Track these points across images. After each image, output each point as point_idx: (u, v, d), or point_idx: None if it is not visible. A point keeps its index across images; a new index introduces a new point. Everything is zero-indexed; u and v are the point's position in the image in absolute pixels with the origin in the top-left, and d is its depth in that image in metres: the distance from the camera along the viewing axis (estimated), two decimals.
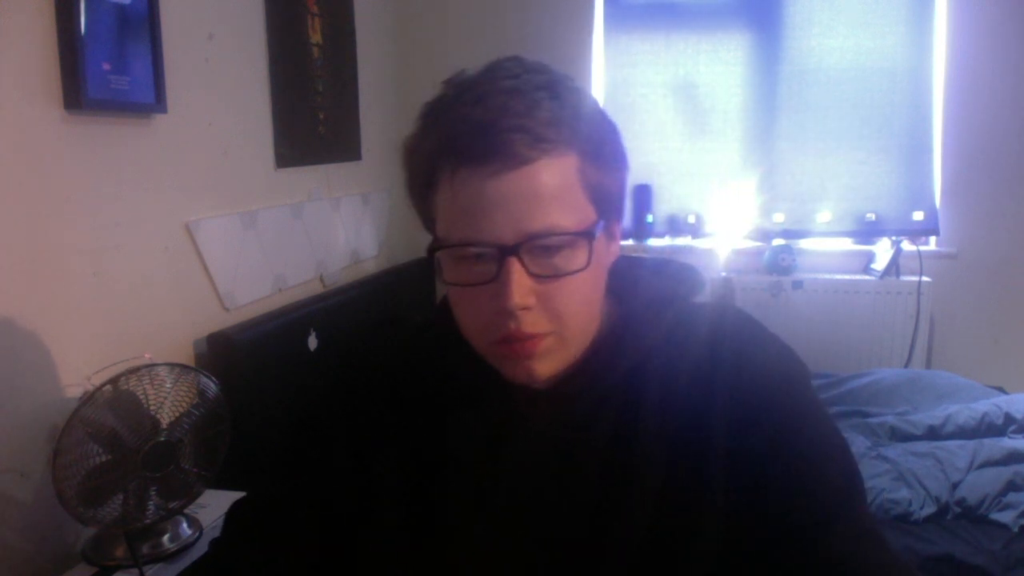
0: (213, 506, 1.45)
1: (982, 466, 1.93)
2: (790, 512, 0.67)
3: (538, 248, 0.64)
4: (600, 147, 0.67)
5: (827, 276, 2.83)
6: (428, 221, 0.71)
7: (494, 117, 0.63)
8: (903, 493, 1.84)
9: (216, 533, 1.41)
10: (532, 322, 0.65)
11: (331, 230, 2.44)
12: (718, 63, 2.87)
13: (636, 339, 0.72)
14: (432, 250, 0.68)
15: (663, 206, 2.96)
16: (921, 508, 1.82)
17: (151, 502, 1.26)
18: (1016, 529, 1.75)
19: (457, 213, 0.65)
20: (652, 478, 0.69)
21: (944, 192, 2.78)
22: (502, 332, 0.65)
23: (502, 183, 0.63)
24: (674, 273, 0.79)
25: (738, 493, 0.68)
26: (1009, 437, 2.11)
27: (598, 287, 0.70)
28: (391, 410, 0.78)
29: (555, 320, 0.66)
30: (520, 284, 0.64)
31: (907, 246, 2.79)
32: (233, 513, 0.87)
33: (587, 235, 0.65)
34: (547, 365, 0.68)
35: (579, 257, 0.65)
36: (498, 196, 0.63)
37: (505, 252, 0.64)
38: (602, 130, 0.68)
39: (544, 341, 0.66)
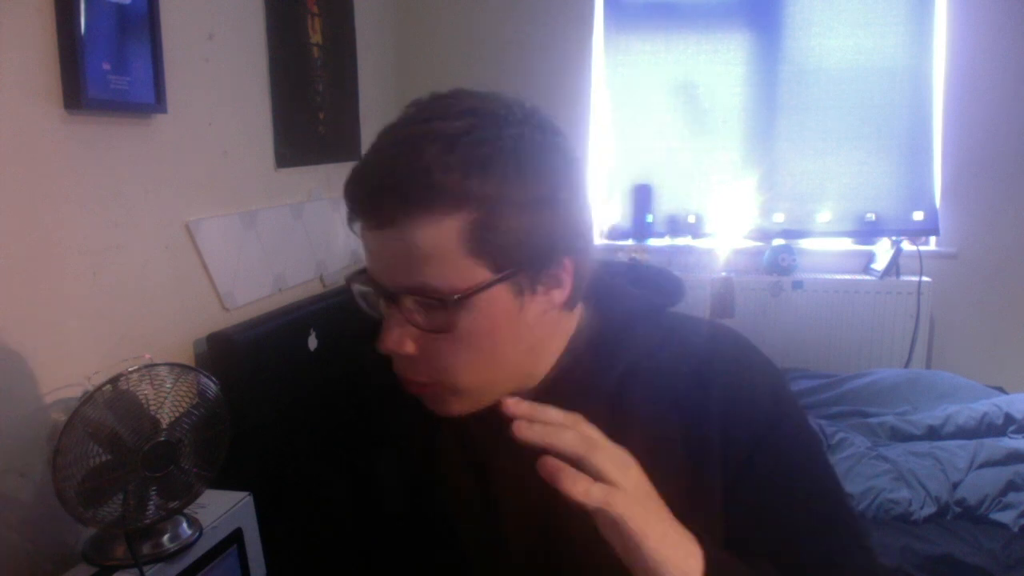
0: (213, 506, 1.45)
1: (982, 466, 1.93)
2: (775, 500, 0.72)
3: (412, 304, 0.65)
4: (508, 199, 0.63)
5: (827, 276, 2.83)
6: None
7: (375, 172, 0.64)
8: (903, 493, 1.84)
9: (216, 533, 1.41)
10: (410, 368, 0.68)
11: (331, 230, 2.43)
12: (718, 63, 2.87)
13: (618, 348, 0.73)
14: (348, 280, 0.71)
15: (663, 206, 2.96)
16: (921, 508, 1.82)
17: (151, 502, 1.26)
18: (1016, 529, 1.75)
19: (365, 256, 0.68)
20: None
21: (944, 192, 2.78)
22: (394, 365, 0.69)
23: (376, 238, 0.65)
24: (652, 282, 0.80)
25: (728, 481, 0.72)
26: (1009, 437, 2.11)
27: (505, 343, 0.68)
28: (390, 423, 0.80)
29: (439, 371, 0.67)
30: (393, 330, 0.65)
31: (907, 246, 2.79)
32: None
33: (457, 299, 0.63)
34: (448, 408, 0.70)
35: (451, 318, 0.64)
36: (378, 247, 0.65)
37: (387, 298, 0.66)
38: (516, 179, 0.63)
39: (430, 389, 0.68)
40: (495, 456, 0.74)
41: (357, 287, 0.69)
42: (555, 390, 0.72)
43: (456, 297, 0.63)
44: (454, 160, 0.62)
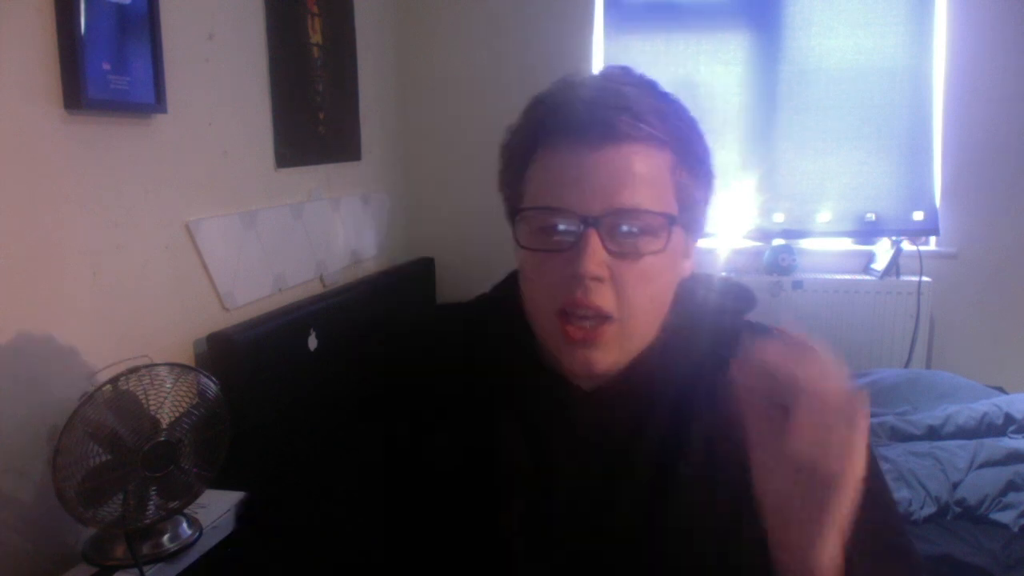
0: (213, 506, 1.45)
1: (982, 466, 1.93)
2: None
3: (619, 225, 0.66)
4: (693, 155, 0.70)
5: (827, 276, 2.83)
6: (515, 203, 0.72)
7: (601, 96, 0.67)
8: (903, 493, 1.84)
9: (216, 533, 1.41)
10: (600, 295, 0.66)
11: (331, 230, 2.43)
12: (718, 63, 2.86)
13: (687, 348, 0.72)
14: (515, 213, 0.70)
15: None
16: (921, 508, 1.82)
17: (151, 502, 1.26)
18: (1016, 529, 1.75)
19: (549, 181, 0.68)
20: (700, 485, 0.69)
21: (944, 192, 2.78)
22: (569, 298, 0.66)
23: (599, 155, 0.65)
24: (727, 290, 0.80)
25: None
26: (1009, 437, 2.11)
27: (668, 286, 0.70)
28: (440, 410, 0.77)
29: (622, 303, 0.67)
30: (595, 253, 0.65)
31: (907, 246, 2.79)
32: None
33: (669, 220, 0.67)
34: (606, 356, 0.68)
35: (657, 242, 0.67)
36: (592, 167, 0.66)
37: (587, 222, 0.65)
38: (698, 142, 0.71)
39: (607, 328, 0.67)
40: (558, 454, 0.72)
41: (544, 220, 0.67)
42: (617, 387, 0.72)
43: (666, 216, 0.66)
44: (668, 106, 0.69)
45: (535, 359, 0.74)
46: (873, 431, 2.20)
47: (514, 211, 0.71)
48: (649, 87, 0.70)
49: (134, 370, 1.24)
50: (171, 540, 1.32)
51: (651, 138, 0.66)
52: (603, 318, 0.67)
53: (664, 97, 0.70)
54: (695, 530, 0.69)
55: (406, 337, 0.86)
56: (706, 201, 0.72)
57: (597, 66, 2.93)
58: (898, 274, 2.78)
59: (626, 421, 0.71)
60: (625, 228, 0.66)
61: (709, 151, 0.73)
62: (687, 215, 0.70)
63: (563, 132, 0.67)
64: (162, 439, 1.25)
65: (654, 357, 0.72)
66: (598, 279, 0.65)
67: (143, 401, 1.25)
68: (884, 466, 1.94)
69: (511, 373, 0.74)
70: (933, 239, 2.84)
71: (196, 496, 1.34)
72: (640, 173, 0.66)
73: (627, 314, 0.67)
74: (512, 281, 0.77)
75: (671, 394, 0.71)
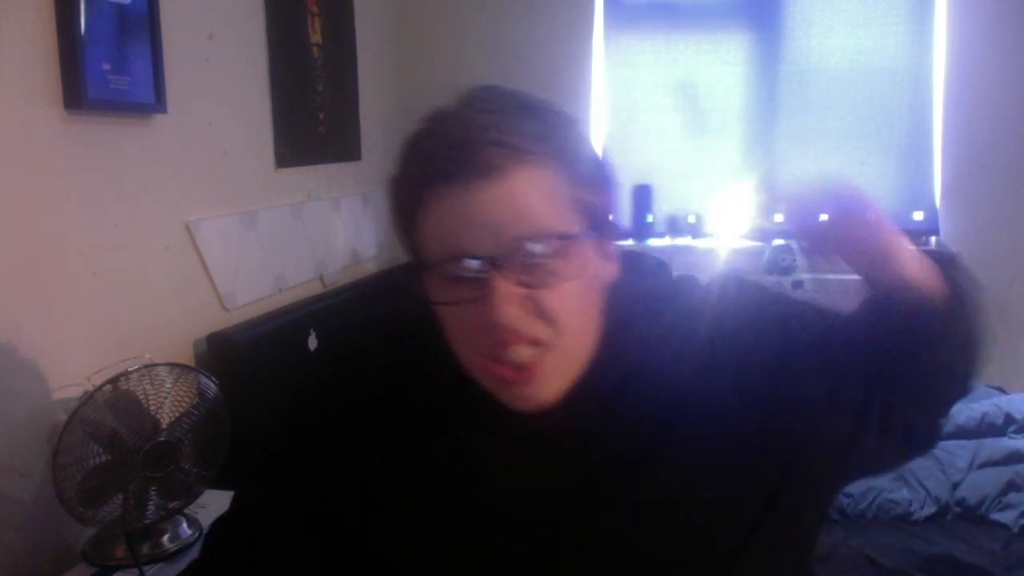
0: (213, 506, 1.45)
1: (982, 466, 1.93)
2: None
3: (524, 257, 0.63)
4: (579, 164, 0.67)
5: (827, 276, 2.83)
6: (416, 253, 0.69)
7: (470, 134, 0.64)
8: (903, 493, 1.84)
9: None
10: (530, 328, 0.64)
11: (331, 230, 2.43)
12: (718, 63, 2.86)
13: (633, 338, 0.72)
14: (418, 272, 0.67)
15: (663, 206, 2.96)
16: (921, 508, 1.82)
17: (151, 502, 1.26)
18: (1016, 529, 1.75)
19: (442, 233, 0.65)
20: (674, 471, 0.69)
21: (944, 192, 2.78)
22: (495, 345, 0.64)
23: (483, 196, 0.63)
24: (644, 267, 0.81)
25: (766, 445, 0.70)
26: (1009, 437, 2.11)
27: (592, 300, 0.68)
28: (396, 417, 0.77)
29: (550, 328, 0.65)
30: (506, 296, 0.62)
31: None
32: (218, 534, 0.86)
33: (572, 237, 0.64)
34: (546, 387, 0.67)
35: (566, 263, 0.64)
36: (479, 209, 0.63)
37: (491, 264, 0.63)
38: (582, 150, 0.68)
39: (545, 359, 0.65)
40: (518, 460, 0.72)
41: (450, 271, 0.65)
42: (572, 390, 0.70)
43: (568, 235, 0.64)
44: (541, 121, 0.66)
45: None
46: None
47: (419, 267, 0.68)
48: (521, 107, 0.67)
49: (134, 370, 1.25)
50: (171, 540, 1.32)
51: (533, 164, 0.64)
52: (540, 347, 0.65)
53: (539, 112, 0.67)
54: (672, 513, 0.69)
55: (357, 352, 0.85)
56: (608, 203, 0.70)
57: (597, 66, 2.93)
58: None
59: (587, 420, 0.70)
60: (531, 259, 0.63)
61: (594, 152, 0.71)
62: (592, 223, 0.67)
63: (442, 180, 0.64)
64: (162, 439, 1.25)
65: (602, 354, 0.71)
66: (517, 320, 0.63)
67: (143, 401, 1.25)
68: None
69: (464, 385, 0.72)
70: (933, 239, 2.84)
71: (196, 496, 1.34)
72: (528, 200, 0.63)
73: (557, 335, 0.65)
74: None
75: (626, 386, 0.70)
